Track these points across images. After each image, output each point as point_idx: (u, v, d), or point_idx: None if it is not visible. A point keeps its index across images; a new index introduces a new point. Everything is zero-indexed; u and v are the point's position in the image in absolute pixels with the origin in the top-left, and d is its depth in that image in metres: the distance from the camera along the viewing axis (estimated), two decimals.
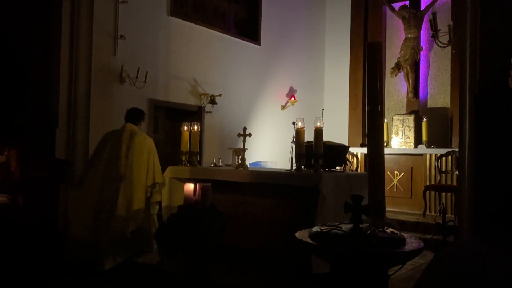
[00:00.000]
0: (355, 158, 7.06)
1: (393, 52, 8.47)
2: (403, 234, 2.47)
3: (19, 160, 4.40)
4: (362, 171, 7.46)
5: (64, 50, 5.26)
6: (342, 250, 2.26)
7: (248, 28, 8.13)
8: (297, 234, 2.56)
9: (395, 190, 7.57)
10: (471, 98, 3.23)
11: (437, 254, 1.92)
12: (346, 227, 2.40)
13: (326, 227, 2.44)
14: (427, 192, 6.96)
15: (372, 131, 2.69)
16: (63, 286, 4.31)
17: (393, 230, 2.46)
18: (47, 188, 4.67)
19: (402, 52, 8.19)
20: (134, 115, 5.07)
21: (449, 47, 6.54)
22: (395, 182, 7.63)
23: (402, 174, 7.63)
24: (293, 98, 8.60)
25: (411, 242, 2.38)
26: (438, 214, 5.39)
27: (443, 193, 6.93)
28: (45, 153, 4.96)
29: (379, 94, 2.68)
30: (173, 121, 6.81)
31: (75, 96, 5.33)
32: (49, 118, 5.17)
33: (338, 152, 4.80)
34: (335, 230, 2.35)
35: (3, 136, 4.60)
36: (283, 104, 8.65)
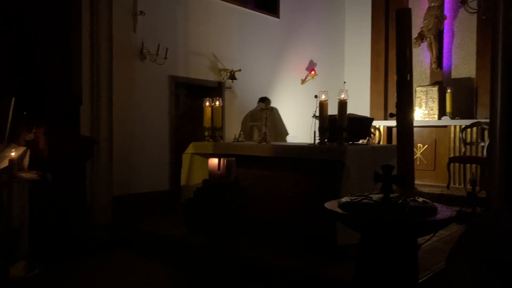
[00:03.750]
0: (377, 131, 6.98)
1: (415, 22, 8.22)
2: (434, 203, 2.44)
3: (47, 138, 4.48)
4: (384, 143, 7.39)
5: (85, 27, 5.27)
6: (373, 219, 2.25)
7: (266, 1, 7.99)
8: (326, 205, 2.55)
9: (418, 162, 7.48)
10: (504, 65, 3.12)
11: (470, 224, 1.89)
12: (376, 196, 2.39)
13: (356, 197, 2.43)
14: (451, 164, 6.86)
15: (401, 100, 2.64)
16: (90, 261, 4.45)
17: (424, 199, 2.44)
18: (74, 165, 4.75)
19: (425, 21, 7.95)
20: None
21: (476, 14, 6.31)
22: (418, 154, 7.54)
23: (426, 146, 7.52)
24: (313, 72, 8.49)
25: (443, 210, 2.36)
26: (468, 184, 5.31)
27: (468, 165, 6.83)
28: (70, 131, 5.04)
29: (408, 63, 2.62)
30: (193, 97, 6.82)
31: (97, 74, 5.36)
32: (72, 97, 5.22)
33: (362, 125, 4.75)
34: (366, 200, 2.34)
35: (30, 115, 4.67)
36: (303, 78, 8.55)
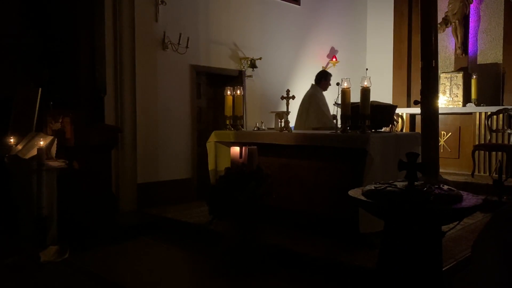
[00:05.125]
0: (400, 119, 6.89)
1: (440, 6, 7.94)
2: (459, 191, 2.42)
3: (73, 127, 4.58)
4: (407, 131, 7.30)
5: (107, 18, 5.34)
6: (398, 206, 2.25)
7: None
8: (350, 192, 2.56)
9: (442, 150, 7.36)
10: None
11: (497, 211, 1.87)
12: (401, 184, 2.38)
13: (380, 185, 2.42)
14: (476, 152, 6.73)
15: (426, 87, 2.60)
16: (117, 247, 4.57)
17: (450, 187, 2.41)
18: (100, 154, 4.86)
19: (451, 5, 7.76)
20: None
21: None
22: (442, 142, 7.42)
23: (450, 134, 7.39)
24: (334, 59, 8.41)
25: (469, 198, 2.34)
26: (494, 173, 5.22)
27: (493, 153, 6.69)
28: (95, 120, 5.14)
29: (434, 48, 2.57)
30: (214, 86, 6.85)
31: (120, 64, 5.45)
32: (97, 86, 5.31)
33: (386, 113, 4.69)
34: (390, 188, 2.33)
35: (56, 105, 4.79)
36: (324, 66, 8.47)
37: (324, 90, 6.45)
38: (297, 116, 6.40)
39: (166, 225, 5.19)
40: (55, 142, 4.52)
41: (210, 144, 5.35)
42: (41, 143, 4.31)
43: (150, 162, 5.87)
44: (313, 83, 6.52)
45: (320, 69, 8.44)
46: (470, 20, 7.82)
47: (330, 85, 6.48)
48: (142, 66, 5.70)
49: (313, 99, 6.23)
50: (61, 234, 4.41)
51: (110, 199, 5.01)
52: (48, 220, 4.25)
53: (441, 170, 7.14)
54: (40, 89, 4.82)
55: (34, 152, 4.34)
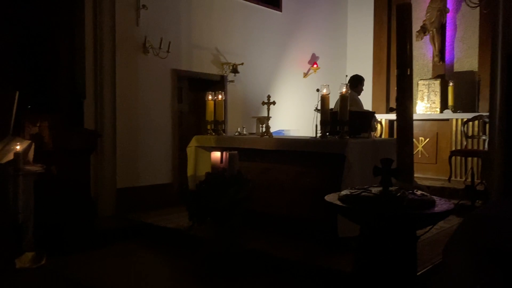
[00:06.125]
0: (379, 125, 7.01)
1: (418, 15, 8.22)
2: (432, 196, 2.48)
3: (51, 131, 4.52)
4: (386, 137, 7.42)
5: (88, 21, 5.31)
6: (372, 211, 2.30)
7: None
8: (326, 197, 2.60)
9: (419, 156, 7.51)
10: (504, 59, 3.14)
11: (468, 215, 1.93)
12: (375, 190, 2.43)
13: (356, 190, 2.47)
14: (453, 157, 6.89)
15: (401, 95, 2.67)
16: (95, 253, 4.52)
17: (423, 192, 2.48)
18: (78, 158, 4.80)
19: (428, 14, 7.95)
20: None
21: (479, 7, 6.31)
22: (420, 148, 7.57)
23: (427, 139, 7.55)
24: (315, 65, 8.51)
25: (441, 203, 2.40)
26: (467, 178, 5.34)
27: (469, 158, 6.86)
28: (74, 124, 5.09)
29: (409, 57, 2.64)
30: (196, 91, 6.86)
31: (100, 67, 5.41)
32: (76, 90, 5.27)
33: (364, 119, 4.78)
34: (365, 193, 2.38)
35: (34, 109, 4.72)
36: (305, 72, 8.57)
37: (359, 95, 6.44)
38: None
39: (146, 230, 5.15)
40: (33, 146, 4.45)
41: (191, 149, 5.35)
42: (18, 147, 4.24)
43: (130, 166, 5.83)
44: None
45: (301, 75, 8.55)
46: (447, 29, 8.03)
47: (363, 90, 6.56)
48: (122, 70, 5.67)
49: (356, 103, 6.04)
50: (38, 240, 4.33)
51: (88, 204, 4.95)
52: (24, 226, 4.17)
53: (419, 175, 7.30)
54: (17, 92, 4.74)
55: (10, 156, 4.26)
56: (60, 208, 4.54)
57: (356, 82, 6.41)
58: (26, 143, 4.46)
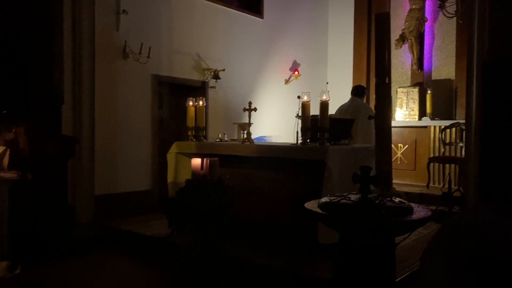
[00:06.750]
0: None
1: (397, 23, 8.37)
2: (410, 203, 2.51)
3: (27, 137, 4.43)
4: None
5: (66, 25, 5.23)
6: (351, 219, 2.31)
7: (251, 1, 8.02)
8: (306, 205, 2.61)
9: (399, 162, 7.62)
10: (479, 69, 3.22)
11: (445, 223, 1.96)
12: (354, 197, 2.44)
13: (335, 197, 2.48)
14: (431, 164, 7.00)
15: (380, 103, 2.70)
16: (72, 261, 4.43)
17: (401, 199, 2.50)
18: (55, 165, 4.71)
19: (407, 23, 8.09)
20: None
21: (455, 17, 6.45)
22: (399, 154, 7.67)
23: (406, 146, 7.66)
24: (296, 72, 8.56)
25: (419, 211, 2.43)
26: (443, 185, 5.43)
27: (447, 165, 6.98)
28: (51, 130, 5.00)
29: (387, 66, 2.68)
30: (177, 96, 6.81)
31: (79, 73, 5.32)
32: (54, 95, 5.17)
33: (344, 126, 4.82)
34: (344, 200, 2.40)
35: (10, 114, 4.62)
36: (287, 78, 8.61)
37: None
38: None
39: (124, 238, 5.07)
40: (8, 152, 4.35)
41: (171, 156, 5.30)
42: None
43: (108, 173, 5.75)
44: (353, 96, 6.52)
45: (283, 82, 8.59)
46: (425, 38, 8.19)
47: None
48: (101, 75, 5.60)
49: (371, 111, 6.13)
50: (12, 248, 4.22)
51: (66, 212, 4.86)
52: None
53: (398, 181, 7.40)
54: None
55: None
56: (36, 215, 4.44)
57: (362, 92, 6.61)
58: (0, 149, 4.36)
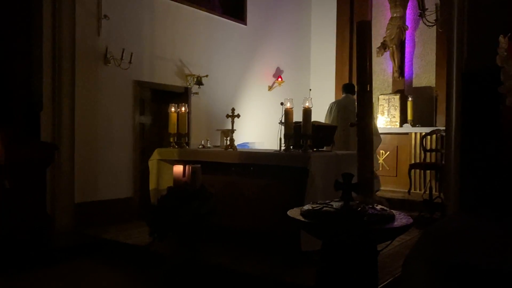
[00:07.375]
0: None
1: (379, 31, 8.49)
2: (392, 211, 2.52)
3: (4, 143, 4.32)
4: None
5: (46, 30, 5.13)
6: (333, 227, 2.31)
7: (234, 7, 8.02)
8: (289, 212, 2.59)
9: (380, 168, 7.68)
10: (458, 77, 3.27)
11: (426, 230, 1.97)
12: (336, 204, 2.44)
13: (317, 205, 2.47)
14: (412, 170, 7.07)
15: (361, 110, 2.72)
16: (50, 271, 4.32)
17: (383, 207, 2.51)
18: (34, 172, 4.61)
19: (388, 31, 8.21)
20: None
21: (435, 26, 6.57)
22: (380, 161, 7.74)
23: (388, 153, 7.74)
24: (280, 79, 8.58)
25: (400, 218, 2.44)
26: (424, 191, 5.50)
27: (428, 171, 7.06)
28: (30, 137, 4.89)
29: (369, 73, 2.70)
30: (159, 102, 6.75)
31: (59, 78, 5.22)
32: (32, 101, 5.07)
33: (327, 132, 4.84)
34: (326, 208, 2.39)
35: None
36: (270, 85, 8.63)
37: None
38: (342, 119, 6.32)
39: (105, 247, 4.97)
40: None
41: (153, 162, 5.24)
42: None
43: (88, 180, 5.64)
44: (347, 93, 6.58)
45: (266, 88, 8.61)
46: (406, 46, 8.32)
47: None
48: (82, 80, 5.51)
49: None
50: None
51: (44, 220, 4.75)
52: None
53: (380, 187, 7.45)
54: None
55: None
56: (13, 223, 4.33)
57: (353, 88, 6.53)
58: None
